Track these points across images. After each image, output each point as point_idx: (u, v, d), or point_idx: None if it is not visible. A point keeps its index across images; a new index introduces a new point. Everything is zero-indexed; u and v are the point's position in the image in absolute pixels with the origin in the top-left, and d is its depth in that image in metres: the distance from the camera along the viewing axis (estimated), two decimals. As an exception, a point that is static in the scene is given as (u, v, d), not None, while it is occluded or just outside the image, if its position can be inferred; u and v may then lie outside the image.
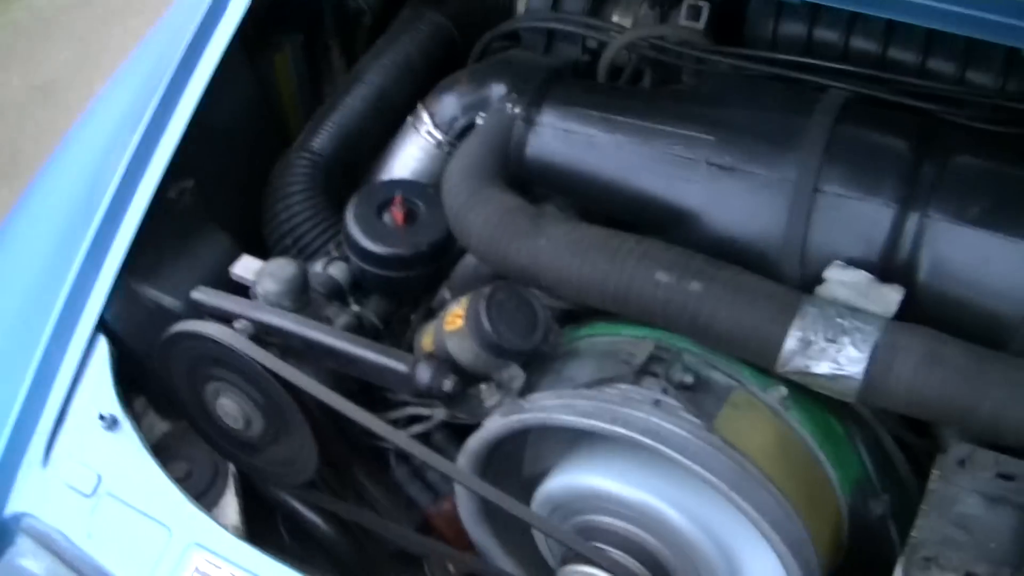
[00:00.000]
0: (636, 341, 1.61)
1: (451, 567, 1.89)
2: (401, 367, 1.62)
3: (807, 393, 1.56)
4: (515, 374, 1.61)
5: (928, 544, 1.38)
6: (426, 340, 1.68)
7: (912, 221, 1.55)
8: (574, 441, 1.65)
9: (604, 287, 1.59)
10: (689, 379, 1.53)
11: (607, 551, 1.56)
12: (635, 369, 1.55)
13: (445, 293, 1.84)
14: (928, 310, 1.55)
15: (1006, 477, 1.46)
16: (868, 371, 1.48)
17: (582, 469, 1.61)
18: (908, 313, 1.54)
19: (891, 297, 1.53)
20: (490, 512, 1.75)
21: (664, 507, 1.54)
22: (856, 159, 1.59)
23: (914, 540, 1.39)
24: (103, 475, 1.70)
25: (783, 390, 1.57)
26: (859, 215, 1.57)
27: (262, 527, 1.85)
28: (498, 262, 1.68)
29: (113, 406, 1.73)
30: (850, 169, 1.58)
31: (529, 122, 1.77)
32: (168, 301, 1.81)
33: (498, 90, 1.93)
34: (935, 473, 1.47)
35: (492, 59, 2.04)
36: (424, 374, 1.60)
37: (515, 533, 1.78)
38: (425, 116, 1.98)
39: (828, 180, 1.58)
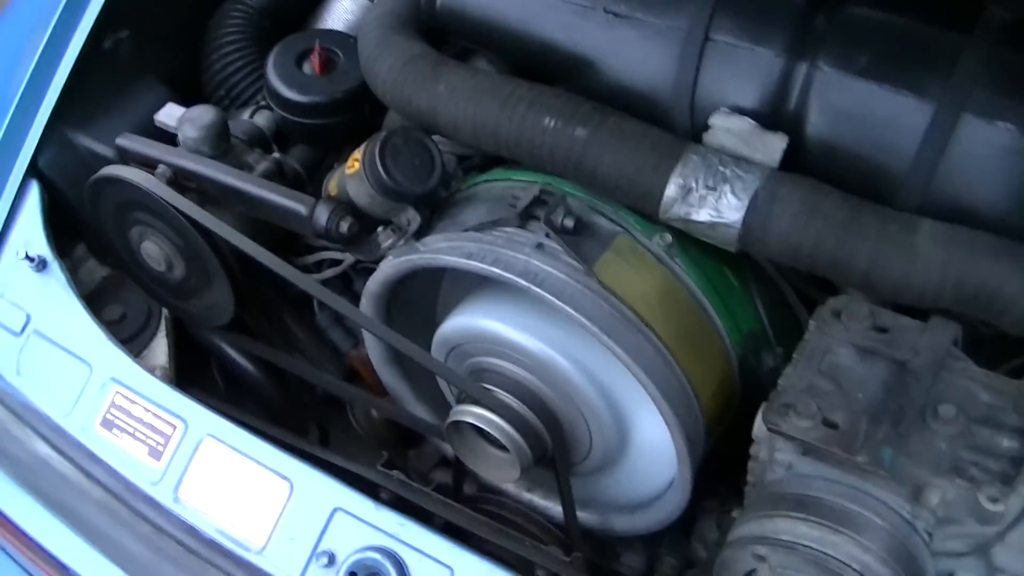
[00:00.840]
0: (526, 185, 1.59)
1: (373, 411, 1.92)
2: (301, 208, 1.62)
3: (699, 244, 1.53)
4: (411, 217, 1.60)
5: (791, 392, 1.34)
6: (332, 185, 1.68)
7: (800, 71, 1.48)
8: (478, 286, 1.64)
9: (497, 132, 1.57)
10: (570, 223, 1.50)
11: (495, 392, 1.56)
12: (519, 212, 1.53)
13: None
14: (815, 161, 1.49)
15: (880, 329, 1.41)
16: (746, 220, 1.44)
17: (474, 312, 1.61)
18: (795, 164, 1.49)
19: (775, 145, 1.48)
20: (398, 356, 1.76)
21: (549, 351, 1.53)
22: (747, 9, 1.52)
23: (779, 387, 1.36)
24: (32, 314, 1.75)
25: (668, 237, 1.54)
26: (748, 64, 1.51)
27: (197, 373, 1.90)
28: (403, 107, 1.66)
29: (43, 248, 1.77)
30: (741, 18, 1.52)
31: (438, -29, 1.74)
32: (101, 149, 1.83)
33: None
34: (812, 323, 1.44)
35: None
36: (322, 215, 1.60)
37: (422, 377, 1.79)
38: (358, -33, 1.96)
39: (719, 29, 1.52)
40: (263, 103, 1.88)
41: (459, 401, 1.60)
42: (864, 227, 1.40)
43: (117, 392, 1.67)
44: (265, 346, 1.83)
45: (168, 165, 1.70)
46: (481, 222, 1.56)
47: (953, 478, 1.28)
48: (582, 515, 1.70)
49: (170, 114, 1.79)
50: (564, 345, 1.53)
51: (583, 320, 1.44)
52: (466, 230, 1.56)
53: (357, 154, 1.61)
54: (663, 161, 1.48)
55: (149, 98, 1.88)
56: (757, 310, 1.61)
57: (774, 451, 1.37)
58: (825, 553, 1.27)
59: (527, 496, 1.79)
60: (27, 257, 1.75)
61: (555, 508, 1.74)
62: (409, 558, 1.48)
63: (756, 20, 1.52)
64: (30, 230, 1.78)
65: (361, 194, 1.59)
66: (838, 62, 1.47)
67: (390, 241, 1.60)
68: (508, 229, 1.55)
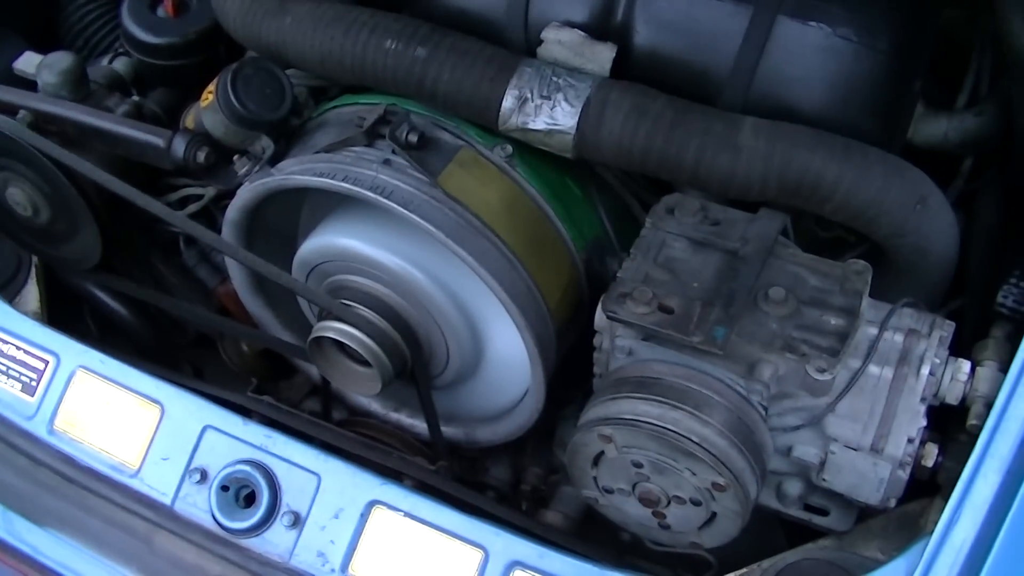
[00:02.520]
0: (371, 107, 1.60)
1: (244, 346, 1.93)
2: (158, 141, 1.61)
3: (540, 154, 1.55)
4: (265, 145, 1.60)
5: (628, 282, 1.38)
6: (189, 120, 1.67)
7: None
8: (335, 208, 1.65)
9: (342, 59, 1.57)
10: (415, 138, 1.52)
11: (354, 308, 1.58)
12: (365, 130, 1.54)
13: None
14: (643, 69, 1.52)
15: (712, 223, 1.45)
16: (580, 125, 1.47)
17: (330, 231, 1.62)
18: (625, 72, 1.52)
19: (604, 55, 1.51)
20: (262, 284, 1.76)
21: (403, 264, 1.55)
22: None
23: (617, 279, 1.40)
24: None
25: (508, 148, 1.56)
26: None
27: (70, 318, 1.88)
28: (253, 42, 1.66)
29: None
30: None
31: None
32: None
33: None
34: (648, 220, 1.48)
35: None
36: (179, 146, 1.60)
37: (287, 304, 1.80)
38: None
39: None
40: (120, 50, 1.86)
41: (320, 319, 1.62)
42: (690, 126, 1.44)
43: (-25, 330, 1.66)
44: (135, 286, 1.82)
45: (28, 109, 1.69)
46: (331, 143, 1.57)
47: (783, 353, 1.33)
48: (447, 429, 1.72)
49: (28, 62, 1.77)
50: (417, 258, 1.55)
51: (430, 227, 1.46)
52: (317, 152, 1.57)
53: (211, 87, 1.61)
54: (499, 74, 1.50)
55: (6, 49, 1.86)
56: (600, 217, 1.64)
57: (615, 339, 1.40)
58: (666, 428, 1.31)
59: (394, 416, 1.81)
60: None
61: (421, 426, 1.76)
62: (278, 469, 1.49)
63: None
64: None
65: (216, 124, 1.59)
66: None
67: (246, 168, 1.60)
68: (356, 148, 1.56)
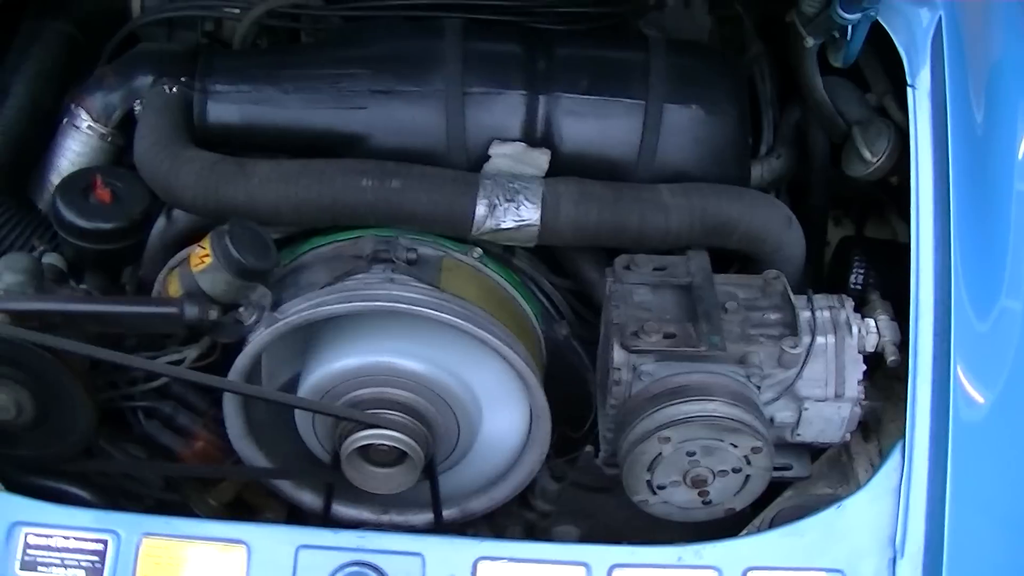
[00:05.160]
0: (353, 241, 1.81)
1: (211, 500, 1.98)
2: (171, 309, 1.70)
3: (492, 254, 1.86)
4: (264, 292, 1.73)
5: (629, 323, 1.71)
6: (172, 288, 1.75)
7: (542, 100, 1.88)
8: (305, 346, 1.80)
9: (320, 203, 1.77)
10: (413, 255, 1.76)
11: (385, 414, 1.74)
12: (368, 259, 1.76)
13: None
14: (569, 164, 1.87)
15: (659, 268, 1.82)
16: (543, 217, 1.79)
17: (334, 357, 1.76)
18: (555, 172, 1.86)
19: (541, 159, 1.86)
20: (254, 428, 1.86)
21: (426, 366, 1.74)
22: (487, 65, 1.90)
23: (617, 325, 1.72)
24: None
25: (478, 250, 1.85)
26: (502, 105, 1.88)
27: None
28: (213, 209, 1.79)
29: None
30: (485, 73, 1.89)
31: (205, 92, 1.90)
32: None
33: (143, 79, 2.01)
34: (609, 279, 1.81)
35: (127, 55, 2.10)
36: (192, 309, 1.69)
37: (279, 442, 1.90)
38: (83, 114, 2.01)
39: (471, 84, 1.87)
40: (42, 246, 1.89)
41: (342, 436, 1.76)
42: (626, 199, 1.81)
43: (27, 533, 1.63)
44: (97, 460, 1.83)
45: (37, 312, 1.69)
46: (335, 276, 1.75)
47: (761, 342, 1.73)
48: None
49: (-29, 270, 1.76)
50: (434, 357, 1.75)
51: (459, 322, 1.68)
52: (322, 288, 1.75)
53: (200, 252, 1.72)
54: (468, 190, 1.78)
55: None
56: (536, 295, 1.95)
57: (637, 367, 1.72)
58: (712, 415, 1.64)
59: (386, 518, 1.92)
60: None
61: (414, 518, 1.91)
62: (382, 561, 1.61)
63: (496, 71, 1.89)
64: None
65: (218, 283, 1.71)
66: (567, 87, 1.88)
67: (254, 317, 1.73)
68: (358, 276, 1.75)
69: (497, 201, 1.78)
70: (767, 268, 1.88)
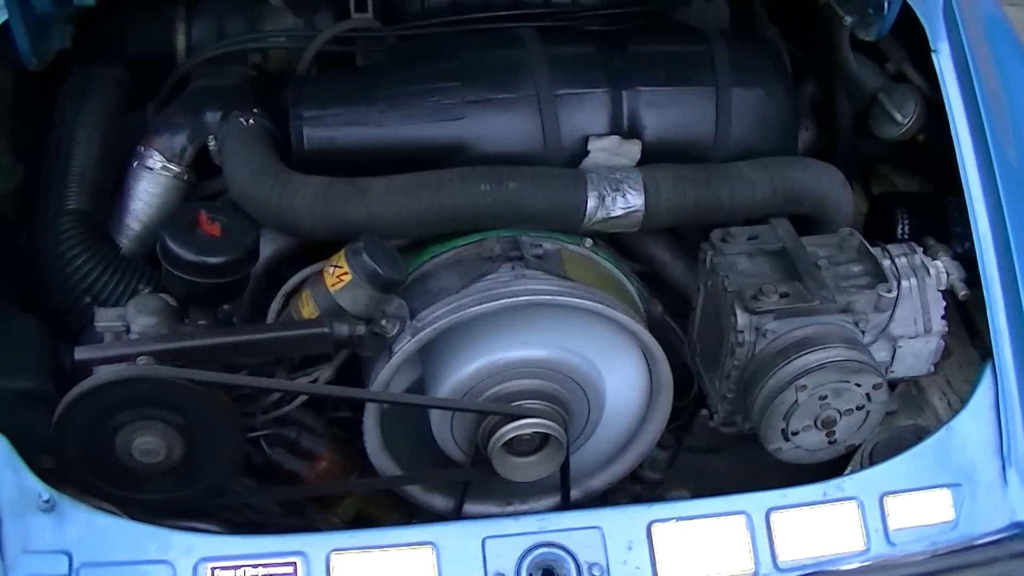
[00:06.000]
0: (476, 245, 1.87)
1: (334, 518, 1.99)
2: (321, 329, 1.71)
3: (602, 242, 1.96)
4: (400, 303, 1.78)
5: (747, 288, 1.83)
6: (306, 310, 1.77)
7: (625, 95, 1.99)
8: (427, 351, 1.83)
9: (441, 212, 1.83)
10: (539, 251, 1.84)
11: (529, 404, 1.80)
12: (498, 259, 1.82)
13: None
14: (654, 152, 1.99)
15: (752, 237, 1.95)
16: (647, 201, 1.90)
17: (472, 357, 1.80)
18: (641, 160, 1.98)
19: (634, 150, 1.97)
20: (388, 441, 1.89)
21: (560, 352, 1.82)
22: (572, 67, 2.01)
23: (735, 289, 1.83)
24: (71, 552, 1.60)
25: (589, 240, 1.94)
26: (590, 103, 1.99)
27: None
28: (334, 230, 1.82)
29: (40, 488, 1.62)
30: (571, 75, 2.00)
31: (300, 118, 1.92)
32: (18, 384, 1.71)
33: (212, 116, 2.02)
34: (709, 252, 1.93)
35: (187, 94, 2.10)
36: (341, 328, 1.72)
37: (413, 452, 1.92)
38: (155, 155, 1.99)
39: (560, 86, 1.97)
40: (144, 289, 1.87)
41: (486, 433, 1.80)
42: (716, 178, 1.94)
43: (213, 568, 1.62)
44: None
45: (152, 354, 1.67)
46: (466, 280, 1.80)
47: (859, 290, 1.88)
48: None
49: (107, 316, 1.73)
50: (565, 343, 1.82)
51: (597, 307, 1.77)
52: (457, 292, 1.79)
53: (337, 271, 1.75)
54: (577, 185, 1.88)
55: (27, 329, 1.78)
56: (630, 278, 2.05)
57: (760, 327, 1.84)
58: (840, 359, 1.78)
59: (510, 509, 1.96)
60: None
61: (537, 505, 1.96)
62: (564, 539, 1.68)
63: (580, 73, 1.99)
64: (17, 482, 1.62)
65: (359, 298, 1.74)
66: (645, 81, 1.99)
67: (396, 328, 1.77)
68: (489, 277, 1.81)
69: (605, 192, 1.88)
70: (827, 228, 2.04)
